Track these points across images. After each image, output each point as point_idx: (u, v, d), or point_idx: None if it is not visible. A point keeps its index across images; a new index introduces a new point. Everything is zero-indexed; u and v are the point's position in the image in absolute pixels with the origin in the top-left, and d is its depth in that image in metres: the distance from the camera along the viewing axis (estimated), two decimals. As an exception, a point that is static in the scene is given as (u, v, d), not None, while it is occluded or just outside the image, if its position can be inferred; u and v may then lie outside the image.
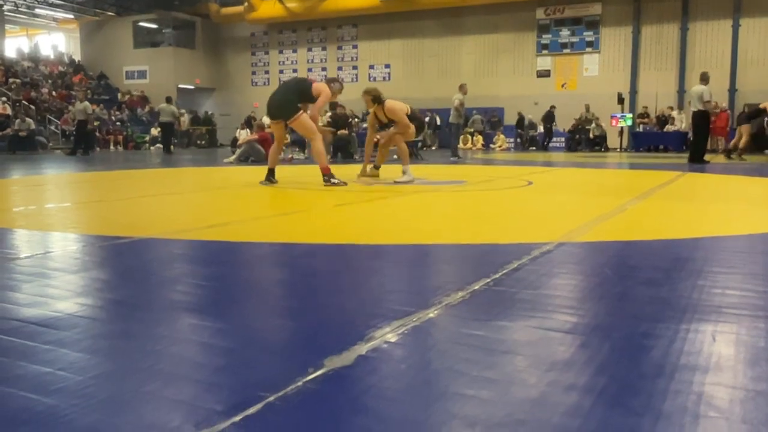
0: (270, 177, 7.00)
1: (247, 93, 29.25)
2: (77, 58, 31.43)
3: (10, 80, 24.87)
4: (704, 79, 11.89)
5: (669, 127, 20.83)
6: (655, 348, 1.60)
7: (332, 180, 6.51)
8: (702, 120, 12.07)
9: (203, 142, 26.56)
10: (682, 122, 20.62)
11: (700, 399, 1.29)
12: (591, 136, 21.56)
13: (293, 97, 6.75)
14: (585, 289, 2.32)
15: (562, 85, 23.79)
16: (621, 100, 21.30)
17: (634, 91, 22.69)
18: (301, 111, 6.69)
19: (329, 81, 7.15)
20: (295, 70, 28.75)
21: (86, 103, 17.40)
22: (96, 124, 19.02)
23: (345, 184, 6.57)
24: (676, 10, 21.88)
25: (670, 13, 21.96)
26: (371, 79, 27.23)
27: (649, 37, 22.43)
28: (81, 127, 16.85)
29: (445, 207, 5.21)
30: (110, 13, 29.75)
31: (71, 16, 31.50)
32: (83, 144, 17.13)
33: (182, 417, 1.20)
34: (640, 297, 2.15)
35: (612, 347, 1.62)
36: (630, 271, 2.61)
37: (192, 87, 29.52)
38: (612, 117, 21.19)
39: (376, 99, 7.59)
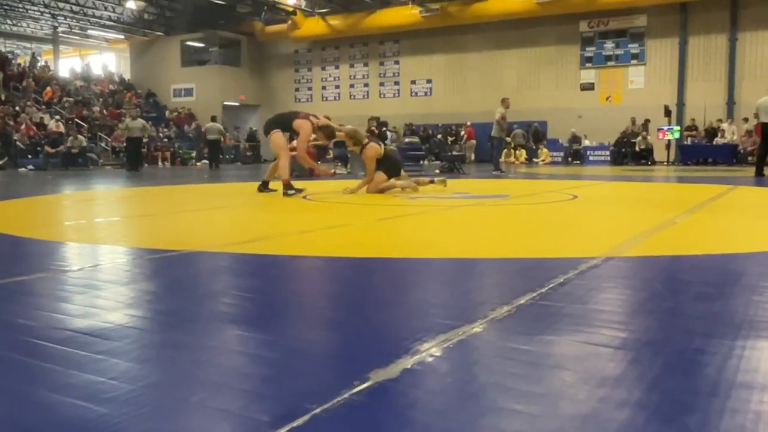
0: (263, 187, 7.83)
1: (291, 109, 29.60)
2: (127, 76, 32.37)
3: (64, 99, 25.73)
4: None
5: (718, 140, 20.33)
6: (710, 365, 1.55)
7: (288, 192, 7.23)
8: None
9: (249, 155, 27.04)
10: (733, 134, 20.10)
11: (759, 418, 1.25)
12: (637, 149, 21.17)
13: (275, 123, 7.73)
14: (634, 304, 2.27)
15: (607, 98, 23.46)
16: (668, 113, 20.90)
17: (681, 104, 22.24)
18: (277, 131, 7.58)
19: (321, 127, 7.76)
20: (337, 86, 29.05)
21: (142, 120, 17.74)
22: (145, 140, 19.30)
23: (301, 191, 7.36)
24: (724, 20, 21.41)
25: (718, 24, 21.49)
26: (413, 94, 27.34)
27: (696, 49, 21.99)
28: (135, 143, 17.10)
29: (489, 221, 5.17)
30: (159, 33, 30.59)
31: (122, 37, 32.51)
32: (137, 159, 17.42)
33: (230, 427, 1.21)
34: (692, 312, 2.08)
35: (664, 363, 1.58)
36: (681, 285, 2.54)
37: (237, 104, 30.07)
38: (659, 130, 20.78)
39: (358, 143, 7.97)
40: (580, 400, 1.33)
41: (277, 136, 7.57)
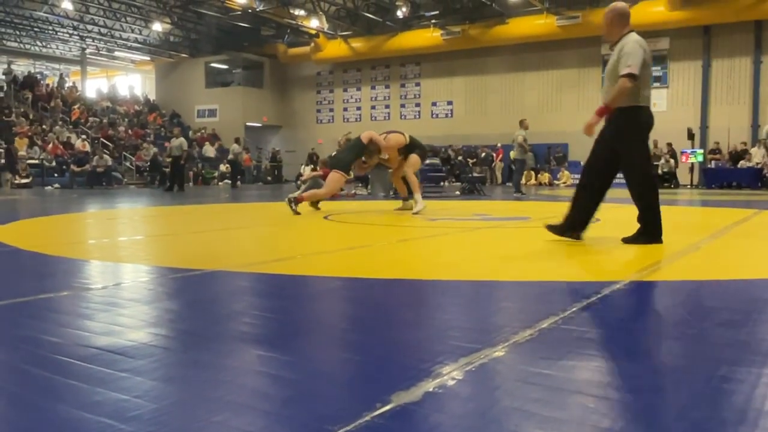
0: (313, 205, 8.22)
1: (312, 130, 29.88)
2: (152, 97, 32.91)
3: (90, 119, 26.19)
4: None
5: (743, 163, 20.09)
6: (737, 392, 1.52)
7: (293, 205, 7.55)
8: None
9: (270, 178, 27.26)
10: (763, 156, 19.83)
11: (789, 448, 1.22)
12: (660, 172, 20.99)
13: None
14: (659, 330, 2.24)
15: (629, 121, 23.31)
16: (691, 136, 20.73)
17: (704, 126, 22.04)
18: (340, 172, 7.94)
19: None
20: (358, 108, 29.24)
21: (182, 139, 17.97)
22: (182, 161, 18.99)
23: (298, 213, 7.51)
24: (748, 43, 21.27)
25: (742, 47, 21.35)
26: (434, 116, 27.42)
27: (720, 71, 21.83)
28: (176, 162, 17.33)
29: (510, 243, 5.14)
30: (184, 55, 31.10)
31: (147, 58, 33.11)
32: (178, 179, 17.60)
33: (252, 448, 1.21)
34: (718, 339, 2.06)
35: (690, 391, 1.55)
36: (706, 311, 2.51)
37: (259, 125, 30.38)
38: (682, 153, 20.61)
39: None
40: (603, 427, 1.32)
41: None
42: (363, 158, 8.10)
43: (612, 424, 1.33)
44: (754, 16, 20.41)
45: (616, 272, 3.36)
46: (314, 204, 8.39)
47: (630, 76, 4.31)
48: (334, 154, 8.34)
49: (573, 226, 4.67)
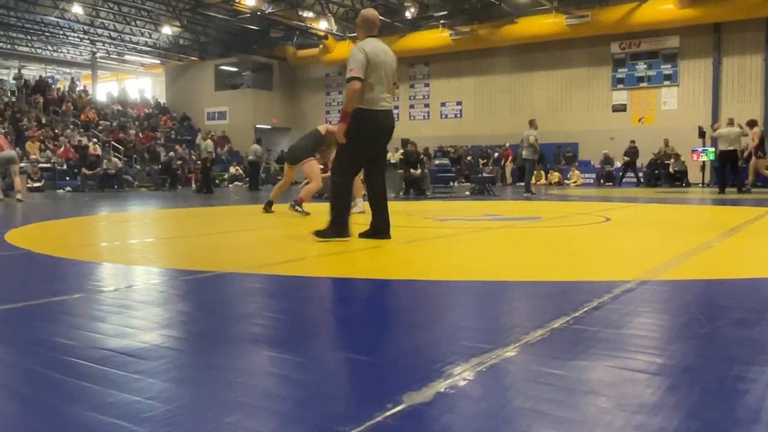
0: (267, 207, 8.28)
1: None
2: (162, 100, 33.08)
3: (101, 123, 26.35)
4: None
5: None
6: (750, 392, 1.51)
7: (296, 207, 7.63)
8: None
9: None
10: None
11: (804, 448, 1.21)
12: (671, 171, 20.88)
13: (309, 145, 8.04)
14: (670, 329, 2.23)
15: (640, 120, 23.23)
16: (702, 134, 20.60)
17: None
18: (311, 158, 7.99)
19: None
20: (367, 109, 29.24)
21: (209, 141, 18.06)
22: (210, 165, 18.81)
23: (307, 213, 7.50)
24: (759, 40, 21.12)
25: (753, 44, 21.20)
26: (443, 116, 27.40)
27: (731, 69, 21.69)
28: (203, 165, 17.55)
29: (520, 243, 5.13)
30: (193, 58, 31.24)
31: (157, 61, 33.29)
32: (203, 181, 17.70)
33: (264, 449, 1.21)
34: (731, 338, 2.04)
35: (703, 390, 1.54)
36: (719, 311, 2.49)
37: (269, 126, 30.46)
38: (693, 151, 20.48)
39: None
40: (616, 427, 1.31)
41: (312, 165, 7.99)
42: (320, 149, 8.11)
43: (624, 424, 1.32)
44: (765, 14, 20.26)
45: (628, 272, 3.34)
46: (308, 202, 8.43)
47: (352, 79, 4.64)
48: (290, 147, 8.35)
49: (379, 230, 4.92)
